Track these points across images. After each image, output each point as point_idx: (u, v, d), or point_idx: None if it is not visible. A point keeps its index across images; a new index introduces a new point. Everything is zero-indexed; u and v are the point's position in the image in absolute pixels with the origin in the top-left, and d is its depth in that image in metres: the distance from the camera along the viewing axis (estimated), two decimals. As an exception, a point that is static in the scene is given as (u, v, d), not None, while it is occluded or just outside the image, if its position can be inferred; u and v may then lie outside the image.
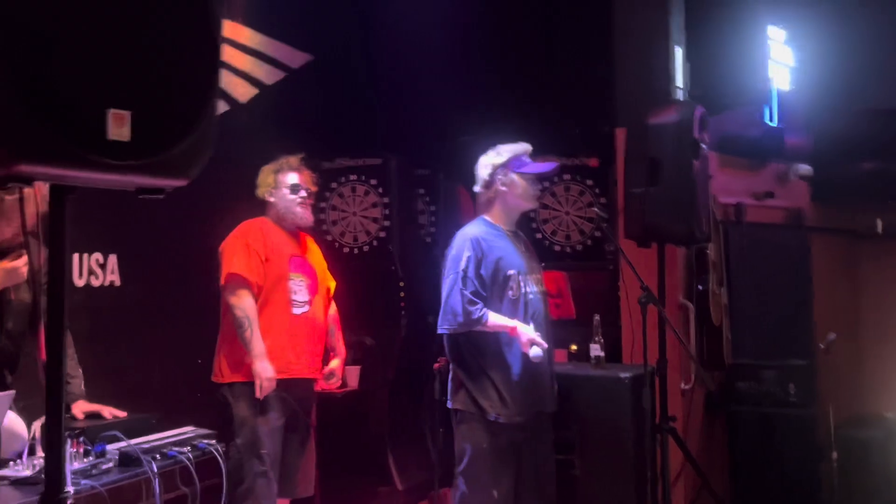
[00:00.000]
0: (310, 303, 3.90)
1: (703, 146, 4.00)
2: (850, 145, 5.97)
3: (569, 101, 5.35)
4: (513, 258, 3.54)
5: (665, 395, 4.02)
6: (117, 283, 4.15)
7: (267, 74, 5.10)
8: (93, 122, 1.43)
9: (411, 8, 5.41)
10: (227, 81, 4.77)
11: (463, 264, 3.43)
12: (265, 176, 3.98)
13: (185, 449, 2.90)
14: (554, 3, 5.56)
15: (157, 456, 2.79)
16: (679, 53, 4.73)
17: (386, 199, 5.39)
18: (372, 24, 5.79)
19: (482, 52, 5.55)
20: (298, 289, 3.87)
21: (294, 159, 4.00)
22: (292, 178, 3.95)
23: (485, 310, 3.40)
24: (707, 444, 4.82)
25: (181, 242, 4.33)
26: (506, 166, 3.58)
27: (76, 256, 3.95)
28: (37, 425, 2.73)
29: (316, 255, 4.09)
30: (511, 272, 3.49)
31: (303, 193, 3.95)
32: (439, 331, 3.53)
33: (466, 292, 3.39)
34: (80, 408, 3.02)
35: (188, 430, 3.12)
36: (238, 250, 3.77)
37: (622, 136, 4.48)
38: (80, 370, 3.11)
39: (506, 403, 3.39)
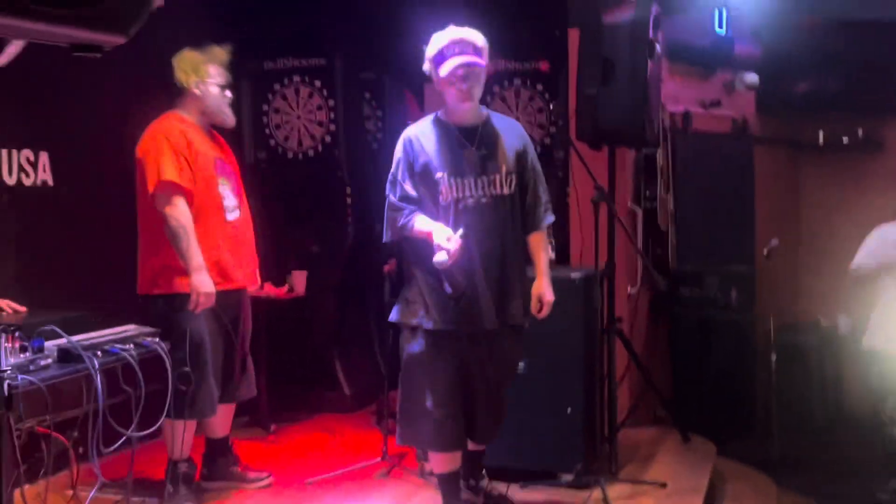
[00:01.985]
0: (239, 207, 3.68)
1: (658, 46, 3.94)
2: (793, 57, 5.97)
3: (521, 3, 5.22)
4: (444, 159, 3.16)
5: (613, 297, 4.04)
6: (50, 182, 3.98)
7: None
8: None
9: None
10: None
11: (393, 168, 3.22)
12: (193, 64, 3.57)
13: (127, 346, 2.82)
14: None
15: (99, 353, 2.70)
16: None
17: (331, 102, 5.23)
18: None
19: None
20: (227, 193, 3.61)
21: (225, 52, 3.65)
22: (222, 73, 3.64)
23: (412, 215, 3.14)
24: (651, 345, 4.91)
25: (119, 139, 4.15)
26: (432, 61, 3.18)
27: (4, 152, 3.75)
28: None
29: (233, 157, 3.83)
30: (438, 175, 3.14)
31: (228, 93, 3.66)
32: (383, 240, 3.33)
33: (393, 198, 3.19)
34: None
35: (130, 329, 3.03)
36: (163, 153, 3.43)
37: (575, 38, 4.39)
38: None
39: (429, 312, 3.14)
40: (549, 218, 3.35)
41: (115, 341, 2.83)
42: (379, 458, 4.11)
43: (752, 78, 5.93)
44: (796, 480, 4.52)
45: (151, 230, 3.51)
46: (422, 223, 3.11)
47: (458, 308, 3.13)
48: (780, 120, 6.10)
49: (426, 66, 3.20)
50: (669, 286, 4.92)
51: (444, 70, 3.10)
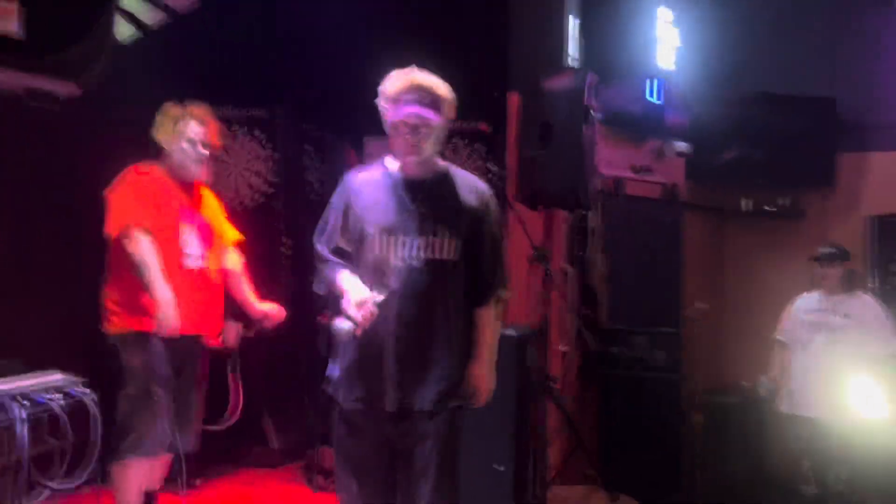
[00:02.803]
0: (202, 257, 3.69)
1: (593, 113, 4.08)
2: (721, 127, 6.23)
3: (462, 65, 5.33)
4: (380, 211, 2.82)
5: (546, 356, 4.11)
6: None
7: (152, 17, 4.86)
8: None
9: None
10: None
11: (326, 213, 2.94)
12: (166, 120, 3.67)
13: (55, 396, 2.76)
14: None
15: (26, 402, 2.64)
16: (574, 24, 4.80)
17: (270, 153, 5.25)
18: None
19: (378, 9, 5.47)
20: (190, 241, 3.64)
21: (199, 109, 3.71)
22: (194, 130, 3.67)
23: (335, 269, 2.85)
24: (581, 403, 4.98)
25: (53, 187, 4.10)
26: (387, 101, 2.86)
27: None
28: None
29: (211, 207, 3.86)
30: (370, 229, 2.80)
31: (201, 150, 3.68)
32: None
33: (319, 248, 2.91)
34: None
35: (56, 377, 2.97)
36: (128, 195, 3.52)
37: (514, 101, 4.53)
38: None
39: (341, 383, 2.85)
40: (501, 293, 2.94)
41: (42, 390, 2.76)
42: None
43: (681, 146, 6.15)
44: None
45: (111, 268, 3.58)
46: (343, 280, 2.79)
47: (364, 383, 2.79)
48: (707, 187, 6.33)
49: (380, 103, 2.86)
50: (600, 345, 5.02)
51: (395, 116, 2.81)
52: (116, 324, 3.55)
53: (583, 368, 5.03)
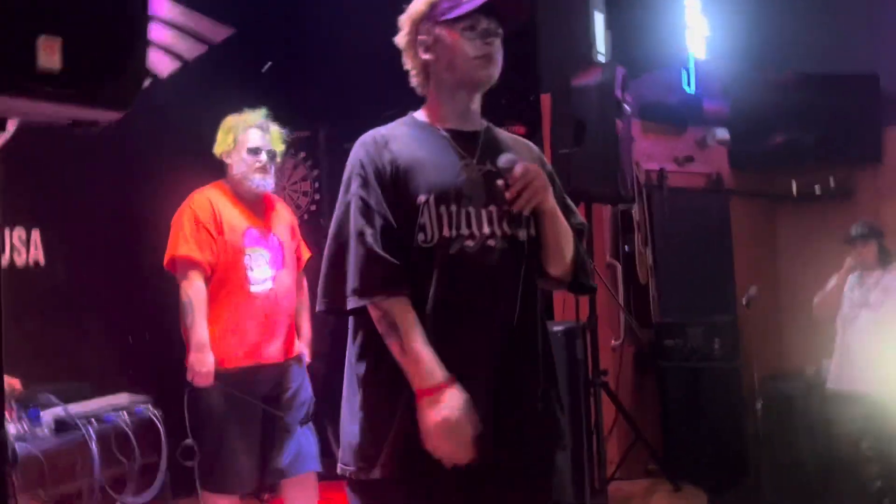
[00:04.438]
0: (273, 279, 3.50)
1: (626, 106, 4.10)
2: (764, 112, 6.18)
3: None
4: (431, 174, 2.01)
5: (596, 350, 4.12)
6: (41, 261, 4.06)
7: (189, 49, 5.03)
8: (23, 49, 1.42)
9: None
10: (148, 56, 4.68)
11: (354, 186, 2.01)
12: (223, 133, 3.54)
13: (121, 414, 2.89)
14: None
15: (94, 421, 2.77)
16: (599, 20, 4.83)
17: (315, 172, 5.38)
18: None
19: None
20: (257, 265, 3.47)
21: (255, 115, 3.56)
22: (253, 137, 3.52)
23: (401, 289, 1.97)
24: (638, 397, 4.97)
25: (106, 216, 4.26)
26: (428, 18, 2.08)
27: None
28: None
29: (283, 223, 3.66)
30: (421, 199, 1.98)
31: (263, 157, 3.51)
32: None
33: (370, 239, 1.95)
34: None
35: (122, 397, 3.10)
36: (183, 227, 3.43)
37: (547, 102, 4.57)
38: None
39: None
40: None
41: (110, 409, 2.89)
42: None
43: (722, 133, 6.12)
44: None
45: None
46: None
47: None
48: (753, 173, 6.27)
49: (402, 38, 2.12)
50: (654, 339, 5.01)
51: (459, 13, 2.03)
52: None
53: (638, 362, 5.03)
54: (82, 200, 4.14)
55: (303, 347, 3.71)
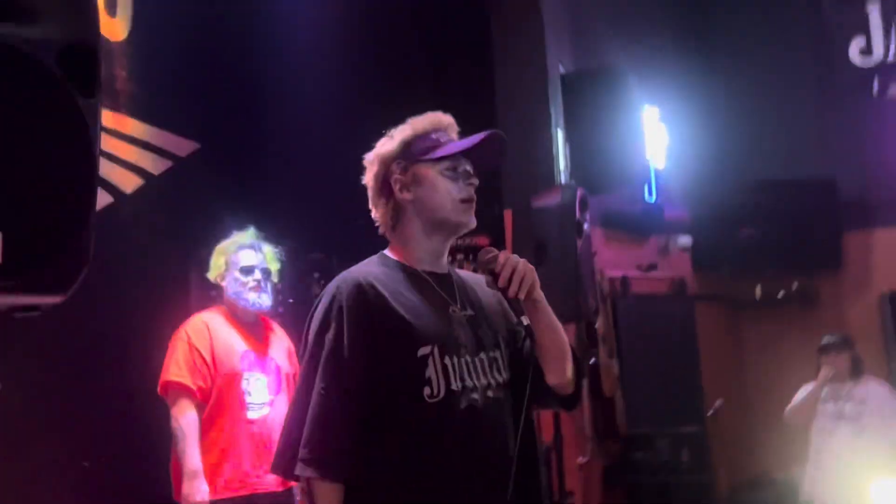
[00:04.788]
0: (271, 404, 3.40)
1: (585, 226, 4.15)
2: (724, 217, 6.31)
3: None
4: (429, 324, 1.89)
5: (562, 471, 4.07)
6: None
7: (153, 164, 5.04)
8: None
9: (297, 91, 5.46)
10: (112, 172, 4.69)
11: (329, 338, 1.85)
12: (216, 256, 3.52)
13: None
14: (441, 98, 5.69)
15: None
16: (560, 138, 4.94)
17: (279, 285, 5.35)
18: (258, 108, 5.80)
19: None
20: (255, 389, 3.38)
21: (245, 235, 3.55)
22: (245, 257, 3.49)
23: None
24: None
25: (67, 343, 4.18)
26: (403, 157, 2.00)
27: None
28: None
29: (281, 346, 3.58)
30: (423, 351, 1.85)
31: (256, 276, 3.46)
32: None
33: (336, 390, 1.83)
34: None
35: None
36: (176, 352, 3.36)
37: (509, 217, 4.62)
38: None
39: None
40: None
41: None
42: None
43: (685, 240, 6.22)
44: None
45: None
46: None
47: None
48: (716, 278, 6.36)
49: (373, 171, 2.02)
50: (622, 452, 4.97)
51: (445, 153, 1.97)
52: (173, 493, 3.33)
53: (606, 478, 4.97)
54: (37, 338, 4.06)
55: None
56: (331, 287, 1.93)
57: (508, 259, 1.89)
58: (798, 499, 4.95)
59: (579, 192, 4.14)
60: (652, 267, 5.88)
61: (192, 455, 3.22)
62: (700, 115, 6.16)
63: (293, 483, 3.33)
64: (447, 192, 1.96)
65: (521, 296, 1.88)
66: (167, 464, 3.44)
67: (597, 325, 4.90)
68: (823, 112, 6.21)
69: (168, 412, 3.34)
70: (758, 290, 6.41)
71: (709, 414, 5.01)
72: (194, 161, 5.26)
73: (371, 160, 2.05)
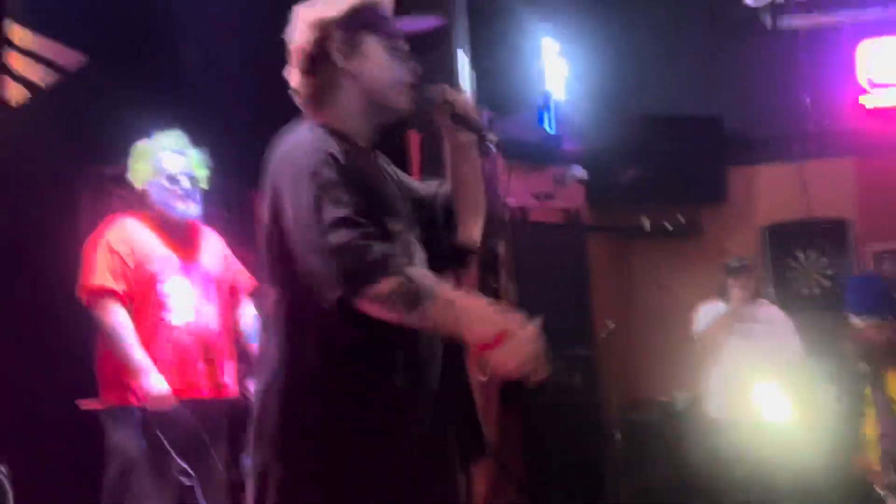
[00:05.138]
0: (196, 310, 3.32)
1: (491, 146, 4.18)
2: (616, 152, 6.46)
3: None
4: (390, 196, 1.89)
5: (464, 387, 4.15)
6: None
7: (42, 76, 4.78)
8: None
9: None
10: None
11: (319, 184, 1.72)
12: (138, 160, 3.36)
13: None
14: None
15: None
16: (464, 60, 4.92)
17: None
18: (149, 17, 5.52)
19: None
20: (178, 295, 3.29)
21: (170, 138, 3.39)
22: (171, 162, 3.34)
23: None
24: (503, 433, 5.04)
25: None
26: (351, 23, 1.88)
27: None
28: None
29: (212, 253, 3.47)
30: (397, 226, 1.85)
31: (184, 183, 3.34)
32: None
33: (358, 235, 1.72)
34: None
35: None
36: (96, 255, 3.23)
37: (415, 140, 4.61)
38: None
39: None
40: None
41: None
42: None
43: (580, 172, 6.35)
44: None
45: (99, 339, 3.29)
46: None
47: None
48: (608, 209, 6.53)
49: (311, 34, 1.87)
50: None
51: (393, 30, 1.93)
52: (101, 398, 3.26)
53: (502, 397, 5.10)
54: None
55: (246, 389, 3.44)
56: (293, 151, 1.78)
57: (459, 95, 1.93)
58: (695, 416, 5.18)
59: (486, 114, 4.16)
60: (548, 196, 5.98)
61: (137, 351, 3.14)
62: (597, 50, 6.25)
63: (222, 394, 3.35)
64: (393, 70, 1.88)
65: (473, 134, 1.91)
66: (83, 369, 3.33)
67: (498, 250, 4.98)
68: (715, 50, 6.39)
69: (86, 319, 3.24)
70: (645, 222, 6.62)
71: (602, 336, 5.19)
72: (83, 73, 5.02)
73: (310, 22, 1.87)
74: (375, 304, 1.67)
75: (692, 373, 5.26)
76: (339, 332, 1.75)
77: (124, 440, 3.19)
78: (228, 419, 3.43)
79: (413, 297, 1.66)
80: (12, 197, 4.16)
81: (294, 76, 1.90)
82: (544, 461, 5.14)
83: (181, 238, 3.41)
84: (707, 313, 5.09)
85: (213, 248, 3.51)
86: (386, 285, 1.66)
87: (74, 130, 4.71)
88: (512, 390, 5.16)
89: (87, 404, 3.36)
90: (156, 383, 3.14)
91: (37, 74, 4.73)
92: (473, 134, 1.93)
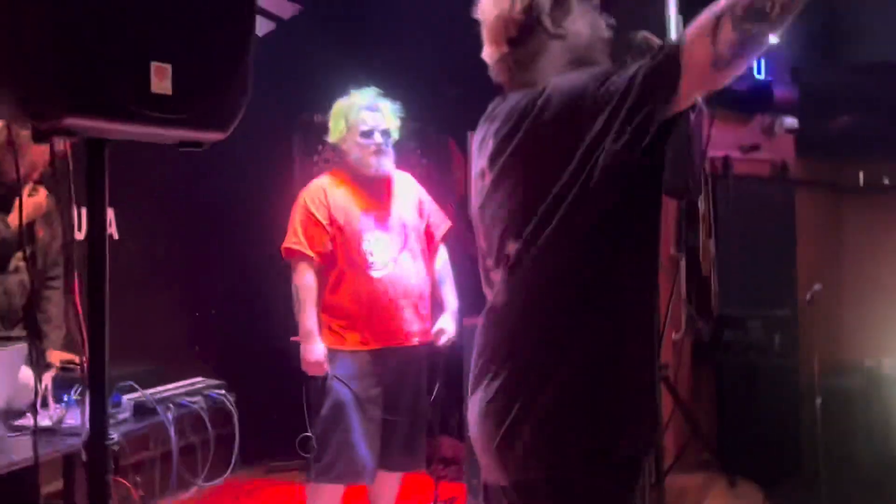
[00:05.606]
0: (395, 261, 3.48)
1: (699, 100, 4.03)
2: (832, 100, 6.04)
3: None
4: None
5: (660, 344, 4.10)
6: (115, 236, 4.16)
7: (258, 26, 5.04)
8: (137, 75, 1.45)
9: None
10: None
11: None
12: (335, 120, 3.53)
13: (197, 399, 2.97)
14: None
15: (171, 406, 2.85)
16: (673, 3, 4.73)
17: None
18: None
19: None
20: (377, 248, 3.46)
21: (364, 95, 3.53)
22: (365, 119, 3.49)
23: None
24: (696, 391, 4.95)
25: (180, 197, 4.34)
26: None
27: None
28: (48, 378, 2.77)
29: (406, 202, 3.61)
30: None
31: (377, 139, 3.49)
32: None
33: None
34: (55, 356, 3.03)
35: (198, 381, 3.19)
36: (294, 219, 3.49)
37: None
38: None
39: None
40: None
41: (185, 394, 2.98)
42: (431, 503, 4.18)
43: (790, 121, 6.00)
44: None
45: None
46: None
47: None
48: (820, 162, 6.15)
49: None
50: (713, 332, 4.97)
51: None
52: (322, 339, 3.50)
53: (696, 355, 5.00)
54: (155, 182, 4.21)
55: (447, 321, 3.63)
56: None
57: None
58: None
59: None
60: (755, 147, 5.71)
61: (307, 317, 3.40)
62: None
63: (424, 340, 3.55)
64: (597, 26, 1.84)
65: None
66: (284, 319, 3.62)
67: (698, 204, 4.83)
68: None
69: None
70: (861, 177, 6.20)
71: (807, 299, 4.94)
72: (297, 24, 5.26)
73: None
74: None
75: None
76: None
77: (333, 383, 3.44)
78: (427, 363, 3.61)
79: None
80: (234, 140, 4.45)
81: (495, 49, 1.87)
82: (738, 424, 5.01)
83: (376, 191, 3.56)
84: None
85: (408, 196, 3.64)
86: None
87: (291, 79, 4.97)
88: (705, 348, 5.05)
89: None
90: (314, 351, 3.38)
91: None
92: None
